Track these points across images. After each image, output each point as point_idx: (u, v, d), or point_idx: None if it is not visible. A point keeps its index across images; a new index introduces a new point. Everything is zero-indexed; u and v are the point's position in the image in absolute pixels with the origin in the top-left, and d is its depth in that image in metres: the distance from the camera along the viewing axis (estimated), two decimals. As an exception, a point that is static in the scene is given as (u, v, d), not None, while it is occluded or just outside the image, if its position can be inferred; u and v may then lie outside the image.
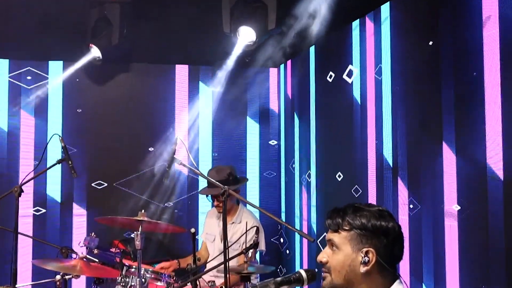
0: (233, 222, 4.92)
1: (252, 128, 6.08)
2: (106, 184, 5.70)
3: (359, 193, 4.41)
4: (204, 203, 5.78)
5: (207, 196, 4.99)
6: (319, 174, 5.15)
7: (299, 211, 5.58)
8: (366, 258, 1.99)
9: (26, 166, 5.42)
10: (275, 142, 6.10)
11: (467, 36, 3.26)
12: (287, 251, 5.86)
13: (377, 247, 1.99)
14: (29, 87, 5.55)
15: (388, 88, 4.04)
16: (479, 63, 3.13)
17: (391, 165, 3.98)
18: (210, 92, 5.89)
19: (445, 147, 3.43)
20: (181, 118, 5.86)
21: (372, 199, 4.23)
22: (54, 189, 5.56)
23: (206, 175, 4.89)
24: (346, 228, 2.03)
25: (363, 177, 4.36)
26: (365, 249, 1.99)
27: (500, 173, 2.98)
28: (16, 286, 3.89)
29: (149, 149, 5.74)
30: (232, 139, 6.00)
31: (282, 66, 6.10)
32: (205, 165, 5.75)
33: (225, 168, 4.90)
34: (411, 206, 3.76)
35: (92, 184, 5.66)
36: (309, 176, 5.31)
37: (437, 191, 3.50)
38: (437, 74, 3.51)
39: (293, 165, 5.72)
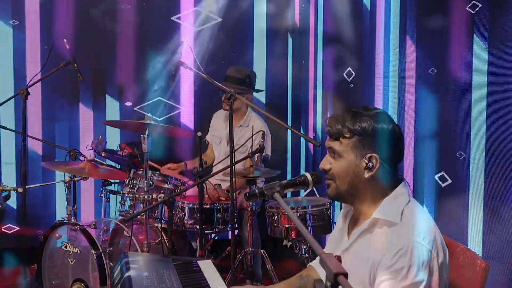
0: (240, 126, 4.94)
1: (260, 28, 5.94)
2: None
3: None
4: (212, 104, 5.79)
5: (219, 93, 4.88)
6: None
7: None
8: (370, 164, 1.99)
9: (32, 69, 5.36)
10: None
11: None
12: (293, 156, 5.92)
13: (380, 151, 2.00)
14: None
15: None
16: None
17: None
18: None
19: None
20: (187, 21, 5.73)
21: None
22: (61, 93, 5.54)
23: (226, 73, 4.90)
24: (347, 135, 2.01)
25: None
26: (368, 155, 1.99)
27: None
28: (27, 187, 3.99)
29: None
30: (239, 42, 5.89)
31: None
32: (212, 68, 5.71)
33: (245, 70, 4.97)
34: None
35: (99, 88, 5.63)
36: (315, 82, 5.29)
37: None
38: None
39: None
